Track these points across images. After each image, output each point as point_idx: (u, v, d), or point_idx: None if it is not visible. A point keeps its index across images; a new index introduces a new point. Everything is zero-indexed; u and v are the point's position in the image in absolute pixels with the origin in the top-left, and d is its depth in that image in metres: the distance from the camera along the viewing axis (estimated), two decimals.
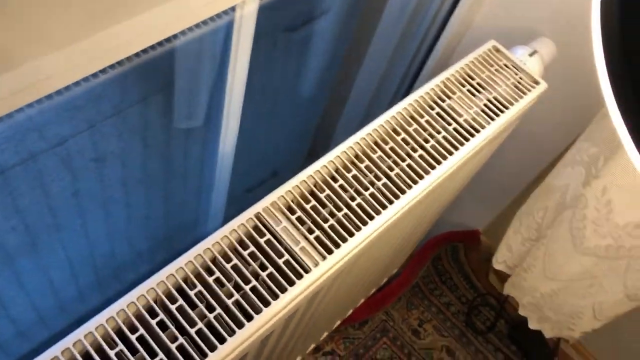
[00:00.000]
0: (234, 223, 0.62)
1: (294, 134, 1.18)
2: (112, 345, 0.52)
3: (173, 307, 0.55)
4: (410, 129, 0.74)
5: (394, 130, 0.74)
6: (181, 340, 0.54)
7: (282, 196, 0.65)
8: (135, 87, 0.87)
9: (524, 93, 0.82)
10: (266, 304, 0.58)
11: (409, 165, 0.71)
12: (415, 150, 0.72)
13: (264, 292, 0.58)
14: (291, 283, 0.59)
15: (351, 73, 1.07)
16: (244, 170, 1.08)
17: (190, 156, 1.00)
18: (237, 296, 0.58)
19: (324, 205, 0.66)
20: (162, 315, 0.55)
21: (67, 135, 0.82)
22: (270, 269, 0.60)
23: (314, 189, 0.67)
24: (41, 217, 0.85)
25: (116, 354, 0.51)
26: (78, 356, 0.51)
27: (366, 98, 1.13)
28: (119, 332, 0.54)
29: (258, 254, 0.60)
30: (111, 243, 1.01)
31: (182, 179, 1.04)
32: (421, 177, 0.70)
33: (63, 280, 0.96)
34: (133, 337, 0.53)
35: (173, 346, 0.53)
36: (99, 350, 0.52)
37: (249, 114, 0.91)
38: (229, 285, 0.58)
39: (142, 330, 0.54)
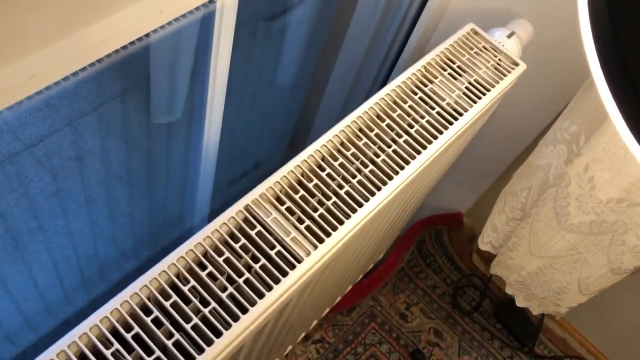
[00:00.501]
0: (224, 216, 0.62)
1: (275, 124, 1.17)
2: (107, 345, 0.52)
3: (167, 304, 0.55)
4: (395, 115, 0.74)
5: (378, 117, 0.74)
6: (177, 336, 0.53)
7: (271, 187, 0.64)
8: (111, 84, 0.86)
9: (504, 74, 0.83)
10: (260, 295, 0.58)
11: (394, 151, 0.71)
12: (400, 136, 0.72)
13: (257, 284, 0.58)
14: (284, 274, 0.59)
15: (329, 62, 1.07)
16: (226, 163, 1.07)
17: (173, 151, 0.99)
18: (230, 289, 0.57)
19: (312, 195, 0.65)
20: (156, 313, 0.54)
21: (44, 135, 0.80)
22: (263, 260, 0.60)
23: (302, 178, 0.66)
24: (22, 219, 0.84)
25: (112, 354, 0.51)
26: (74, 357, 0.50)
27: (345, 87, 1.12)
28: (114, 332, 0.53)
29: (249, 246, 0.60)
30: (95, 243, 1.00)
31: (165, 175, 1.03)
32: (407, 162, 0.70)
33: (48, 283, 0.95)
34: (128, 336, 0.53)
35: (169, 343, 0.53)
36: (95, 351, 0.52)
37: (231, 106, 0.91)
38: (222, 279, 0.58)
39: (137, 329, 0.53)
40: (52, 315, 1.01)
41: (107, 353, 0.51)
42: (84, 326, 0.52)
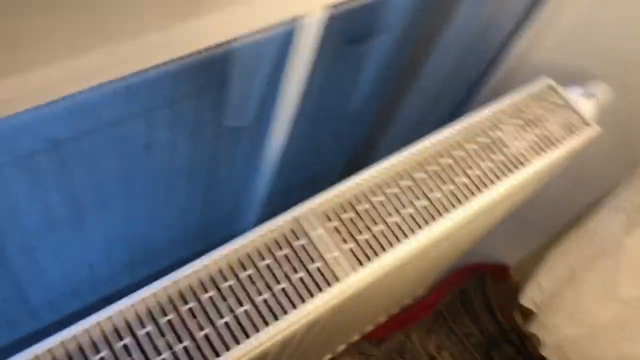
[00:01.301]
0: (272, 223, 0.64)
1: (338, 143, 1.19)
2: (142, 325, 0.54)
3: (204, 297, 0.57)
4: (457, 154, 0.74)
5: (439, 154, 0.74)
6: (208, 329, 0.55)
7: (322, 203, 0.66)
8: (190, 81, 0.89)
9: (575, 134, 0.82)
10: (294, 306, 0.59)
11: (450, 190, 0.71)
12: (458, 176, 0.73)
13: (292, 294, 0.59)
14: (321, 289, 0.60)
15: (402, 93, 1.08)
16: (284, 174, 1.09)
17: (236, 154, 1.01)
18: (266, 295, 0.59)
19: (361, 218, 0.66)
20: (192, 304, 0.56)
21: (119, 119, 0.84)
22: (302, 273, 0.61)
23: (354, 200, 0.67)
24: (85, 194, 0.88)
25: (146, 334, 0.53)
26: (110, 331, 0.53)
27: (413, 119, 1.13)
28: (150, 314, 0.55)
29: (291, 256, 0.62)
30: (149, 229, 1.03)
31: (225, 176, 1.06)
32: (462, 203, 0.70)
33: (98, 258, 0.99)
34: (163, 320, 0.55)
35: (199, 334, 0.55)
36: (128, 330, 0.54)
37: (297, 120, 0.93)
38: (260, 284, 0.59)
39: (172, 315, 0.55)
40: (95, 289, 1.05)
41: (141, 332, 0.53)
42: (123, 304, 0.55)
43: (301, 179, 1.21)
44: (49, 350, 0.51)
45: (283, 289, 0.60)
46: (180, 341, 0.54)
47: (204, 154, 0.99)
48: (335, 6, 0.68)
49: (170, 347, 0.54)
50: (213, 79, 0.92)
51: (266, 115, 0.93)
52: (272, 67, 0.88)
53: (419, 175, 0.71)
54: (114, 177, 0.89)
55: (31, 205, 0.83)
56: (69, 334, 0.52)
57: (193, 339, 0.55)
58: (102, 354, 0.52)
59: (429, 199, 0.70)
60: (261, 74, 0.90)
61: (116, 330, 0.54)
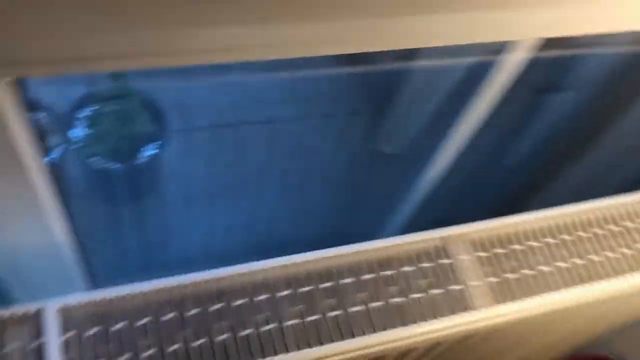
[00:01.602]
0: (420, 235, 0.64)
1: (489, 188, 1.17)
2: (281, 289, 0.56)
3: (342, 282, 0.58)
4: (626, 225, 0.70)
5: (606, 219, 0.71)
6: (339, 312, 0.56)
7: (473, 231, 0.65)
8: (356, 97, 0.92)
9: None
10: (423, 319, 0.58)
11: (610, 258, 0.67)
12: (622, 247, 0.68)
13: (426, 307, 0.59)
14: (454, 312, 0.59)
15: (572, 155, 1.04)
16: (428, 205, 1.09)
17: (389, 177, 1.02)
18: (400, 299, 0.59)
19: (511, 258, 0.65)
20: (329, 284, 0.58)
21: (285, 116, 0.88)
22: (440, 290, 0.60)
23: (507, 238, 0.66)
24: (247, 177, 0.93)
25: (283, 296, 0.55)
26: (251, 284, 0.56)
27: (580, 178, 1.08)
28: (288, 281, 0.57)
29: (434, 271, 0.61)
30: (290, 222, 1.07)
31: (370, 197, 1.07)
32: (619, 275, 0.66)
33: (239, 234, 1.04)
34: (300, 290, 0.57)
35: (330, 314, 0.56)
36: (269, 288, 0.56)
37: (458, 156, 0.92)
38: (395, 287, 0.60)
39: (309, 288, 0.57)
40: (228, 261, 1.10)
41: (279, 294, 0.56)
42: (266, 264, 0.58)
43: (443, 218, 1.20)
44: (201, 282, 0.55)
45: (418, 299, 0.59)
46: (312, 314, 0.56)
47: (351, 169, 1.01)
48: (541, 46, 0.68)
49: (301, 317, 0.55)
50: (380, 100, 0.93)
51: (424, 149, 0.93)
52: (448, 98, 0.88)
53: (581, 233, 0.68)
54: (273, 168, 0.93)
55: (201, 172, 0.89)
56: (216, 274, 0.56)
57: (324, 316, 0.56)
58: (239, 302, 0.55)
59: (587, 260, 0.67)
60: (432, 103, 0.91)
61: (254, 285, 0.56)
